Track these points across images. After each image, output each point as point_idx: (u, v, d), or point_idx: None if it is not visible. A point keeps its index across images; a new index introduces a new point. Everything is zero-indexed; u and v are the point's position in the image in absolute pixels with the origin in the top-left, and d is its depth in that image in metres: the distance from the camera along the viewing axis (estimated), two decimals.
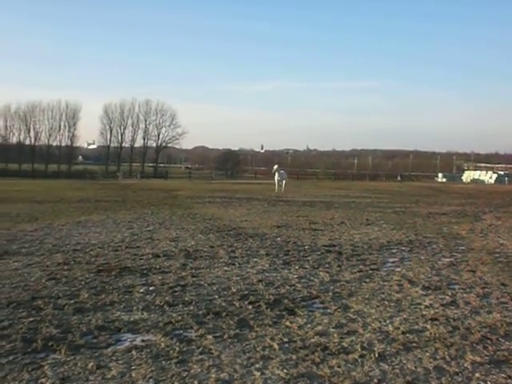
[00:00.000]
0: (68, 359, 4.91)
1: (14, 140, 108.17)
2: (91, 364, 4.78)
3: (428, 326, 6.00)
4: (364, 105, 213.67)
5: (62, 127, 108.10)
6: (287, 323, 6.07)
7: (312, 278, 8.45)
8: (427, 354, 5.14)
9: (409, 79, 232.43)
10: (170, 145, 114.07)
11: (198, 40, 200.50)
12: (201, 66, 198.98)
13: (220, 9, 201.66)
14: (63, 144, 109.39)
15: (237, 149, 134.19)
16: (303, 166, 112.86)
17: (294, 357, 5.02)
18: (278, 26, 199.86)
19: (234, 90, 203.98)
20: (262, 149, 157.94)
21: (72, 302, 6.76)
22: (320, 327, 5.95)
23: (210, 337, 5.52)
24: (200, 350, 5.17)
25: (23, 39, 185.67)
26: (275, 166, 36.90)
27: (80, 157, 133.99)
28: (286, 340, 5.49)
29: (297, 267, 9.26)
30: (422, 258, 10.47)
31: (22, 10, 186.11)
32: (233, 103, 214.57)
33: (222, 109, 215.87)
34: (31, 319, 6.04)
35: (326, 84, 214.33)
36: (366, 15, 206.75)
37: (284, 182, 37.29)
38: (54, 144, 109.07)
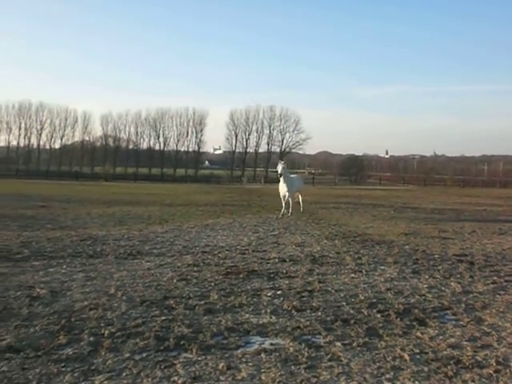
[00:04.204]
0: (199, 359, 5.02)
1: (145, 145, 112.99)
2: (222, 364, 4.86)
3: None
4: (494, 108, 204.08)
5: (190, 133, 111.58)
6: (418, 334, 5.91)
7: (443, 288, 8.17)
8: None
9: None
10: (293, 150, 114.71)
11: (319, 47, 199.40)
12: (324, 71, 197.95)
13: (348, 9, 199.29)
14: (190, 149, 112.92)
15: (361, 154, 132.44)
16: (430, 172, 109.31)
17: (425, 369, 4.87)
18: (405, 28, 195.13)
19: (358, 94, 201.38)
20: (387, 154, 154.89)
21: (202, 302, 6.93)
22: (452, 339, 5.74)
23: (338, 344, 5.47)
24: (329, 356, 5.13)
25: (153, 53, 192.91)
26: (280, 166, 20.15)
27: (206, 162, 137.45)
28: (417, 351, 5.34)
29: (426, 276, 8.99)
30: None
31: (150, 21, 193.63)
32: (357, 108, 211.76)
33: (346, 114, 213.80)
34: (163, 318, 6.25)
35: (454, 88, 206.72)
36: (485, 21, 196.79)
37: (294, 193, 21.06)
38: (182, 149, 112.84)
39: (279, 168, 19.91)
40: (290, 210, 20.00)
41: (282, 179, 19.98)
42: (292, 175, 22.23)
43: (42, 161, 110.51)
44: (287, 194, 19.93)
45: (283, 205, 20.11)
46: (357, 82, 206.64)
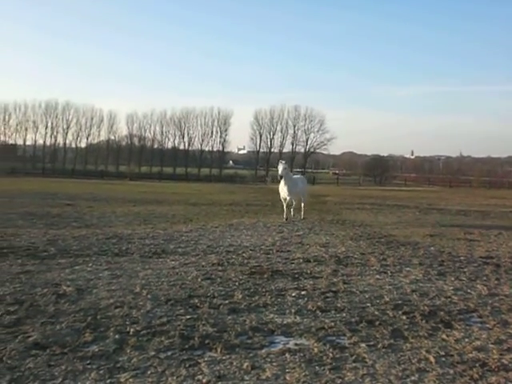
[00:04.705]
0: (224, 358, 5.03)
1: (169, 145, 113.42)
2: (246, 364, 4.86)
3: None
4: None
5: (214, 133, 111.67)
6: (443, 336, 5.86)
7: (469, 290, 8.09)
8: None
9: None
10: (318, 150, 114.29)
11: (345, 47, 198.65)
12: (348, 72, 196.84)
13: (374, 10, 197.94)
14: (215, 149, 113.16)
15: (386, 155, 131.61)
16: (456, 173, 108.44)
17: (451, 371, 4.83)
18: (430, 31, 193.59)
19: (383, 94, 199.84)
20: (412, 155, 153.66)
21: (227, 302, 6.94)
22: (478, 342, 5.69)
23: (363, 345, 5.45)
24: (354, 357, 5.11)
25: (179, 52, 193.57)
26: (281, 166, 18.29)
27: (230, 161, 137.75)
28: (442, 353, 5.29)
29: (452, 278, 8.91)
30: None
31: (180, 22, 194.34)
32: (382, 108, 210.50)
33: (371, 114, 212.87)
34: (188, 317, 6.27)
35: (481, 88, 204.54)
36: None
37: (297, 195, 18.89)
38: (207, 149, 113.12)
39: (280, 168, 18.13)
40: (292, 213, 18.63)
41: (282, 181, 18.15)
42: (295, 175, 20.49)
43: (68, 159, 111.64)
44: (288, 197, 18.16)
45: (284, 209, 18.34)
46: (383, 82, 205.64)
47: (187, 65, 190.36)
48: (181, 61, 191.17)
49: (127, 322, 5.96)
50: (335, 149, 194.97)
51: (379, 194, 42.90)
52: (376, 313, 6.66)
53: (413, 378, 4.68)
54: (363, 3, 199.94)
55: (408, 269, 9.66)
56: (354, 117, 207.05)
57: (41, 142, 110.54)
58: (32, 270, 8.61)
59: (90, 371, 4.63)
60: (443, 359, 5.14)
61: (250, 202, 28.15)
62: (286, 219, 17.83)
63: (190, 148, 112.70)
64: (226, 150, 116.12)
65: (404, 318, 6.49)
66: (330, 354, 5.15)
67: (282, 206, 18.66)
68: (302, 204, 19.30)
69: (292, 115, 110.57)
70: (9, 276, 8.08)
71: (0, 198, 24.91)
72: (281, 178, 18.06)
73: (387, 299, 7.33)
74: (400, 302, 7.23)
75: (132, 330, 5.70)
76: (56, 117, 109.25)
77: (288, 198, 18.17)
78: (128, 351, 5.11)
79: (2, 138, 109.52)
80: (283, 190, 18.15)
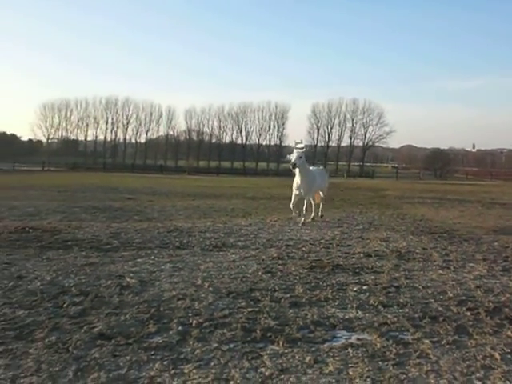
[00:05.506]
0: (286, 351, 5.04)
1: (227, 139, 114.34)
2: (308, 358, 4.86)
3: None
4: None
5: (272, 127, 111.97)
6: (509, 333, 5.73)
7: None
8: None
9: None
10: (376, 144, 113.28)
11: (409, 37, 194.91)
12: (407, 64, 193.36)
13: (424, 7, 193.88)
14: (272, 143, 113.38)
15: (446, 148, 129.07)
16: None
17: None
18: (495, 20, 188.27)
19: (443, 87, 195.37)
20: (474, 148, 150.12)
21: (288, 295, 6.95)
22: None
23: (427, 341, 5.37)
24: (417, 353, 5.04)
25: (237, 47, 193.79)
26: (295, 154, 13.94)
27: (288, 155, 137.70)
28: (508, 350, 5.19)
29: None
30: None
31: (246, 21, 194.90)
32: (443, 100, 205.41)
33: (431, 107, 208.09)
34: (250, 310, 6.31)
35: None
36: None
37: (315, 193, 15.46)
38: (264, 143, 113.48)
39: (294, 156, 13.79)
40: (312, 215, 15.25)
41: (297, 172, 14.09)
42: (312, 168, 16.17)
43: (128, 154, 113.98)
44: (304, 193, 14.20)
45: (291, 206, 14.52)
46: (444, 74, 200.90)
47: (245, 60, 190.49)
48: (239, 56, 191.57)
49: (190, 314, 6.04)
50: (394, 142, 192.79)
51: (440, 188, 42.07)
52: (439, 308, 6.56)
53: (478, 374, 4.61)
54: None
55: (471, 264, 9.47)
56: (415, 110, 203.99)
57: (101, 137, 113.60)
58: (96, 262, 8.82)
59: (154, 362, 4.71)
60: (509, 356, 5.04)
61: None
62: (303, 224, 14.21)
63: (248, 142, 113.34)
64: (283, 144, 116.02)
65: (468, 314, 6.37)
66: (394, 350, 5.11)
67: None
68: (321, 199, 15.97)
69: (350, 108, 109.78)
70: (74, 268, 8.30)
71: (63, 192, 25.61)
72: (294, 167, 13.80)
73: (451, 295, 7.20)
74: (464, 297, 7.09)
75: (195, 321, 5.78)
76: (116, 112, 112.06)
77: (303, 194, 14.27)
78: (191, 343, 5.18)
79: (64, 134, 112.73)
80: (298, 184, 14.22)
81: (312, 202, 14.93)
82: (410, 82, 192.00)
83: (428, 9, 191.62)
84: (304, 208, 14.55)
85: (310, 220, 14.78)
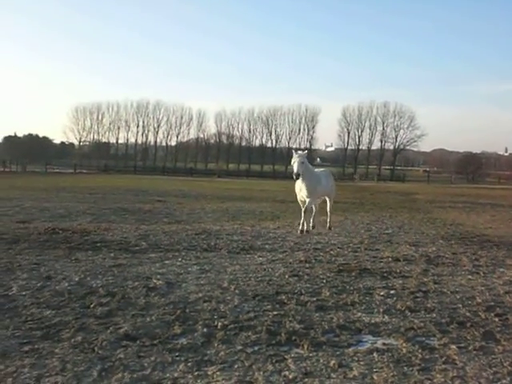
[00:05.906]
0: (310, 355, 5.03)
1: (257, 142, 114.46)
2: (333, 362, 4.84)
3: None
4: None
5: (302, 130, 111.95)
6: None
7: None
8: None
9: None
10: (407, 147, 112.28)
11: (444, 38, 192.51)
12: (440, 67, 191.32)
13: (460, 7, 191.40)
14: (302, 146, 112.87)
15: (478, 151, 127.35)
16: None
17: None
18: None
19: (476, 89, 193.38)
20: (506, 152, 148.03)
21: (314, 299, 6.93)
22: None
23: (453, 347, 5.31)
24: (443, 359, 4.99)
25: (268, 47, 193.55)
26: (296, 159, 12.71)
27: (318, 159, 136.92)
28: None
29: None
30: None
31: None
32: (475, 104, 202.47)
33: (463, 110, 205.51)
34: (275, 313, 6.30)
35: None
36: None
37: (319, 197, 14.46)
38: (294, 146, 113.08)
39: (295, 165, 12.66)
40: (312, 221, 13.92)
41: (300, 178, 12.99)
42: (317, 170, 15.17)
43: (159, 157, 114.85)
44: (307, 199, 13.31)
45: (303, 214, 13.41)
46: (478, 77, 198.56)
47: (274, 62, 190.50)
48: (268, 58, 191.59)
49: (215, 316, 6.06)
50: (426, 146, 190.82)
51: (472, 192, 41.55)
52: (467, 314, 6.47)
53: (504, 381, 4.56)
54: None
55: (502, 270, 9.34)
56: (447, 113, 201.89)
57: (132, 140, 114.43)
58: (124, 263, 8.89)
59: (179, 363, 4.73)
60: None
61: (338, 199, 27.80)
62: (302, 232, 13.37)
63: (278, 145, 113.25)
64: (313, 147, 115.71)
65: (496, 319, 6.28)
66: (419, 355, 5.05)
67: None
68: (328, 208, 14.70)
69: (381, 111, 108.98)
70: (102, 269, 8.38)
71: (94, 194, 25.87)
72: (298, 177, 12.77)
73: (479, 300, 7.10)
74: (493, 303, 7.00)
75: (220, 324, 5.79)
76: (147, 116, 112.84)
77: (308, 201, 13.29)
78: (216, 345, 5.19)
79: (96, 137, 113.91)
80: (302, 189, 13.42)
81: (313, 208, 13.96)
82: (443, 84, 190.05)
83: (467, 9, 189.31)
84: (313, 215, 13.88)
85: (311, 229, 13.71)
